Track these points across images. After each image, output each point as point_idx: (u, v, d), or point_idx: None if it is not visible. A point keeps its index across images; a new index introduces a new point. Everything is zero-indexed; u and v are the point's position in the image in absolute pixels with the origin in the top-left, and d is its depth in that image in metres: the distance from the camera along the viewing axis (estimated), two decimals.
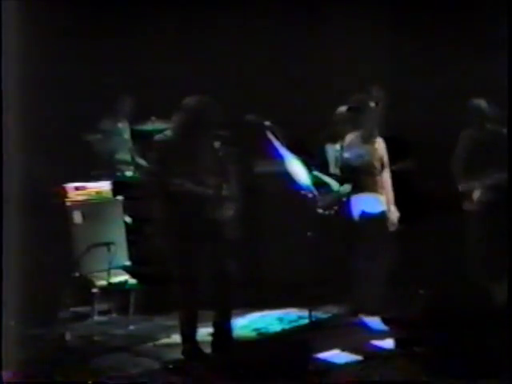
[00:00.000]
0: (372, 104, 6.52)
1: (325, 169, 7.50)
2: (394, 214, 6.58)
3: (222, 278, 5.84)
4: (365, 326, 6.39)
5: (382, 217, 6.54)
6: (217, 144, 5.87)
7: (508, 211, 6.52)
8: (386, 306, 6.48)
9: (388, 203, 6.58)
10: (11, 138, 5.32)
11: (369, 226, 6.52)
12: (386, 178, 6.63)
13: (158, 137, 5.94)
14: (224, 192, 5.81)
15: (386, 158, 6.63)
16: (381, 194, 6.58)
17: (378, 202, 6.57)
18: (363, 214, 6.55)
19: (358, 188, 6.63)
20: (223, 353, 5.81)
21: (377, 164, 6.58)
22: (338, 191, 7.38)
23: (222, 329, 5.90)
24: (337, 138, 7.64)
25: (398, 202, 6.65)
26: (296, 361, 5.32)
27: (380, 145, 6.63)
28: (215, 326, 5.92)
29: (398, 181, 6.75)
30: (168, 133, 5.90)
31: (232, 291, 5.94)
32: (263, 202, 7.92)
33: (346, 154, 6.69)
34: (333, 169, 7.59)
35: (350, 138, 6.74)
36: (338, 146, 7.68)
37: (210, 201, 5.73)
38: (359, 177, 6.61)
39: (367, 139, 6.59)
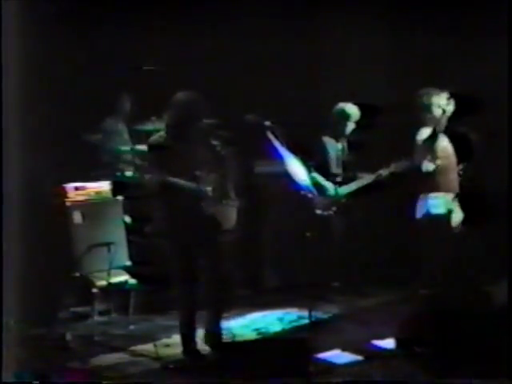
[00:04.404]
0: (440, 102, 6.46)
1: (326, 168, 7.49)
2: (459, 215, 6.51)
3: (221, 277, 5.84)
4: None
5: (447, 218, 6.44)
6: (213, 141, 5.88)
7: (508, 212, 6.53)
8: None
9: (453, 204, 6.50)
10: (11, 138, 5.32)
11: (433, 227, 6.43)
12: (453, 177, 6.55)
13: (152, 138, 5.94)
14: (222, 190, 5.82)
15: (453, 158, 6.56)
16: (448, 193, 6.50)
17: (444, 202, 6.48)
18: (428, 215, 6.46)
19: (426, 187, 6.55)
20: (222, 352, 5.82)
21: (445, 163, 6.50)
22: (334, 194, 7.37)
23: (215, 328, 5.91)
24: (338, 136, 7.66)
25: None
26: (296, 361, 5.32)
27: (449, 144, 6.54)
28: (208, 325, 5.93)
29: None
30: (161, 132, 5.90)
31: (231, 291, 5.94)
32: (263, 202, 7.92)
33: (417, 153, 6.55)
34: (334, 168, 7.58)
35: (420, 136, 6.57)
36: (339, 145, 7.68)
37: (208, 199, 5.73)
38: (428, 176, 6.50)
39: (433, 138, 6.45)
